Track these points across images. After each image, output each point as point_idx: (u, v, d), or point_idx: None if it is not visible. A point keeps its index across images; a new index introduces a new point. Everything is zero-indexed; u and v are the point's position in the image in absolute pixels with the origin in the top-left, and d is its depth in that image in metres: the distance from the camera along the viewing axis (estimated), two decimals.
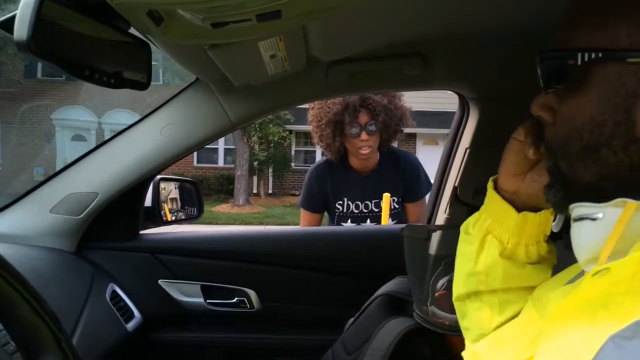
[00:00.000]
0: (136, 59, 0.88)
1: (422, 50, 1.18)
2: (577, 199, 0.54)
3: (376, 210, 2.23)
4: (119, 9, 0.72)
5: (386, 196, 2.18)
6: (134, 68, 0.89)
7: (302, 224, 2.33)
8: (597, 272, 0.48)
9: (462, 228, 0.79)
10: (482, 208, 0.75)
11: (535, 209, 0.69)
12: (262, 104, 1.33)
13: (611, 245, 0.49)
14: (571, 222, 0.55)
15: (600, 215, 0.50)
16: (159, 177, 1.58)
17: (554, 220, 1.14)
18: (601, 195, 0.50)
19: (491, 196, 0.73)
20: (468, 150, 1.31)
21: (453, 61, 1.20)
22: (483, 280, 0.74)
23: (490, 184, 0.74)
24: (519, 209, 0.69)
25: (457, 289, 0.78)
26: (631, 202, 0.47)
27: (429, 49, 1.18)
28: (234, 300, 1.58)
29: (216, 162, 16.58)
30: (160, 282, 1.55)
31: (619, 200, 0.48)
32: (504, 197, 0.71)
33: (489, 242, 0.73)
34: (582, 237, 0.53)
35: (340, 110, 2.08)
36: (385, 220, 2.19)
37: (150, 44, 0.90)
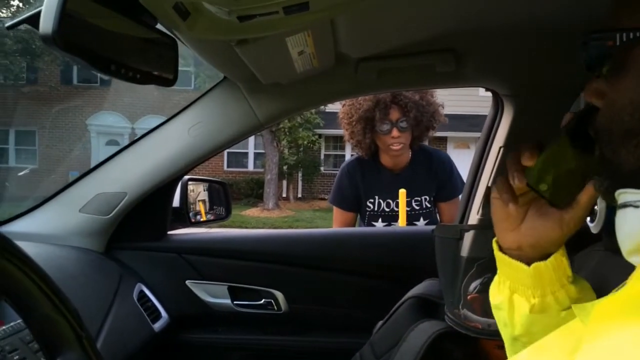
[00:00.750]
0: (163, 56, 0.88)
1: (454, 45, 1.15)
2: (621, 187, 0.51)
3: (407, 209, 2.19)
4: (145, 3, 0.72)
5: (402, 192, 2.14)
6: (160, 64, 0.88)
7: (335, 223, 2.30)
8: None
9: (489, 294, 0.77)
10: (498, 271, 0.73)
11: (546, 256, 0.67)
12: (291, 102, 1.32)
13: None
14: (616, 210, 0.52)
15: None
16: (186, 177, 1.58)
17: (592, 221, 1.09)
18: None
19: (499, 258, 0.71)
20: (502, 149, 1.27)
21: (486, 57, 1.17)
22: (527, 342, 0.71)
23: (494, 246, 0.72)
24: (529, 261, 0.67)
25: (510, 354, 0.76)
26: None
27: (461, 44, 1.15)
28: (261, 302, 1.57)
29: (246, 166, 16.71)
30: (187, 282, 1.55)
31: None
32: (510, 255, 0.69)
33: (517, 302, 0.71)
34: (625, 225, 0.50)
35: (371, 107, 2.06)
36: (403, 218, 2.15)
37: (177, 41, 0.90)
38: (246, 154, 16.69)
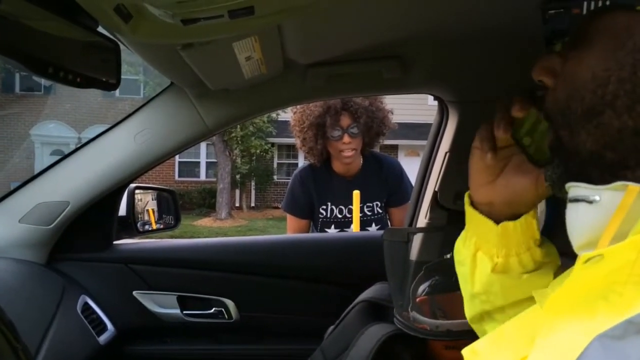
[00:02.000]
0: (105, 59, 0.86)
1: (401, 52, 1.17)
2: (577, 174, 0.50)
3: (360, 215, 2.21)
4: (84, 5, 0.70)
5: (356, 194, 2.16)
6: (103, 68, 0.86)
7: (289, 230, 2.29)
8: (589, 259, 0.45)
9: (454, 249, 0.75)
10: (466, 226, 0.72)
11: (516, 216, 0.65)
12: (239, 108, 1.31)
13: (612, 231, 0.44)
14: (567, 202, 0.51)
15: (597, 198, 0.45)
16: (133, 185, 1.55)
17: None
18: (603, 167, 0.46)
19: (468, 212, 0.70)
20: (448, 155, 1.29)
21: (432, 64, 1.19)
22: (485, 300, 0.70)
23: (466, 200, 0.71)
24: (498, 219, 0.66)
25: (467, 312, 0.75)
26: (633, 186, 0.43)
27: (408, 51, 1.17)
28: (212, 311, 1.54)
29: (198, 176, 16.48)
30: (134, 293, 1.51)
31: (619, 183, 0.44)
32: (480, 211, 0.68)
33: (480, 259, 0.69)
34: (577, 220, 0.48)
35: (321, 113, 2.07)
36: (356, 221, 2.16)
37: (121, 45, 0.88)
38: (198, 163, 16.46)
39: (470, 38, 1.07)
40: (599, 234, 0.45)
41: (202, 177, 16.46)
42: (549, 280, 0.64)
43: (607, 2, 0.46)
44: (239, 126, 12.27)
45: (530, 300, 0.63)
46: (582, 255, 0.46)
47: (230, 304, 1.54)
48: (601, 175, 0.46)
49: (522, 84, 1.27)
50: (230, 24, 0.79)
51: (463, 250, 0.72)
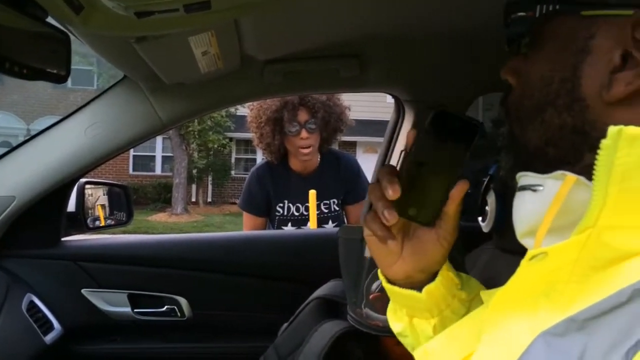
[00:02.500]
0: (55, 51, 0.83)
1: (359, 51, 1.18)
2: (525, 167, 0.51)
3: (316, 212, 2.21)
4: None
5: (312, 193, 2.16)
6: (52, 60, 0.83)
7: (245, 228, 2.27)
8: (534, 256, 0.46)
9: (389, 322, 0.73)
10: (391, 300, 0.70)
11: (433, 275, 0.64)
12: (195, 103, 1.29)
13: (548, 220, 0.46)
14: (516, 192, 0.52)
15: (540, 186, 0.47)
16: (83, 180, 1.50)
17: (483, 221, 1.15)
18: (546, 162, 0.48)
19: (389, 290, 0.67)
20: (404, 153, 1.31)
21: (389, 63, 1.21)
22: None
23: (383, 279, 0.68)
24: (420, 287, 0.64)
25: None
26: (570, 176, 0.44)
27: (366, 50, 1.18)
28: (164, 309, 1.51)
29: (153, 170, 16.15)
30: (83, 291, 1.47)
31: (558, 172, 0.45)
32: (399, 285, 0.65)
33: (418, 325, 0.68)
34: (521, 208, 0.50)
35: (279, 108, 2.05)
36: (313, 219, 2.17)
37: (71, 36, 0.85)
38: (153, 157, 16.13)
39: (428, 39, 1.09)
40: (539, 222, 0.47)
41: (158, 171, 16.14)
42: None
43: (557, 6, 0.48)
44: (196, 120, 12.09)
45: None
46: (527, 253, 0.48)
47: (183, 301, 1.52)
48: (545, 169, 0.47)
49: (477, 85, 1.31)
50: (186, 18, 0.77)
51: (397, 322, 0.70)
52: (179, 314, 1.52)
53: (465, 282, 0.68)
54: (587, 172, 0.43)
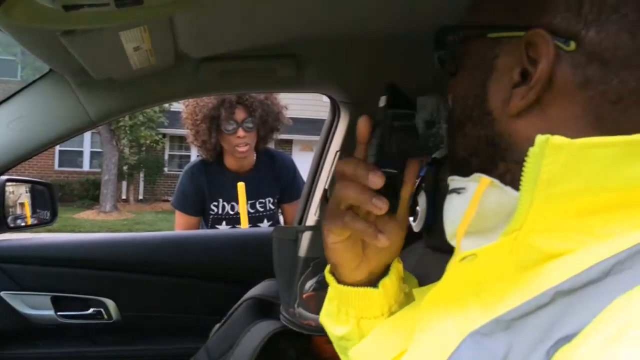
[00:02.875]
0: None
1: (295, 51, 1.18)
2: (455, 173, 0.53)
3: (252, 211, 2.20)
4: None
5: (240, 185, 2.13)
6: None
7: (178, 227, 2.22)
8: (465, 257, 0.48)
9: (328, 327, 0.70)
10: (336, 304, 0.66)
11: (387, 268, 0.64)
12: (127, 100, 1.25)
13: (467, 220, 0.48)
14: (447, 195, 0.53)
15: (464, 189, 0.50)
16: (4, 177, 1.42)
17: (414, 221, 1.19)
18: (470, 171, 0.51)
19: (343, 293, 0.64)
20: (338, 154, 1.33)
21: (325, 64, 1.22)
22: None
23: (334, 283, 0.65)
24: (375, 282, 0.63)
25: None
26: (485, 178, 0.47)
27: (303, 51, 1.18)
28: (90, 312, 1.46)
29: (81, 166, 15.48)
30: (2, 294, 1.39)
31: (476, 175, 0.48)
32: (359, 286, 0.63)
33: (365, 327, 0.65)
34: (449, 210, 0.52)
35: (216, 105, 2.03)
36: (244, 216, 2.16)
37: None
38: (81, 152, 15.47)
39: (363, 42, 1.11)
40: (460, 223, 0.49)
41: (86, 167, 15.48)
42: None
43: (471, 31, 0.52)
44: (127, 115, 11.70)
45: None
46: (457, 254, 0.50)
47: (110, 303, 1.47)
48: (469, 176, 0.50)
49: (410, 87, 1.34)
50: (117, 13, 0.75)
51: (342, 325, 0.66)
52: (105, 316, 1.47)
53: (406, 276, 0.69)
54: (501, 179, 0.47)
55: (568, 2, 0.44)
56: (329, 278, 0.66)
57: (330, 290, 0.67)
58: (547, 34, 0.44)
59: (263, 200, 2.23)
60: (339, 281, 0.65)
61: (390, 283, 0.63)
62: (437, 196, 1.13)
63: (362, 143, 0.60)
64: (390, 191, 0.57)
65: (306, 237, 1.22)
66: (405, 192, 0.61)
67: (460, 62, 0.55)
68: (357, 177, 0.56)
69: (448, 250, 1.09)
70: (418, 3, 0.89)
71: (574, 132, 0.42)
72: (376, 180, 0.54)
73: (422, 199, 1.15)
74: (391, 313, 0.65)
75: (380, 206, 0.55)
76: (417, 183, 1.18)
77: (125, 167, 14.10)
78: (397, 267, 0.64)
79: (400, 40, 1.07)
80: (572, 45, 0.43)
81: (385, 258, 0.63)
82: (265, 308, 1.28)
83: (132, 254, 1.55)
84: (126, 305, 1.49)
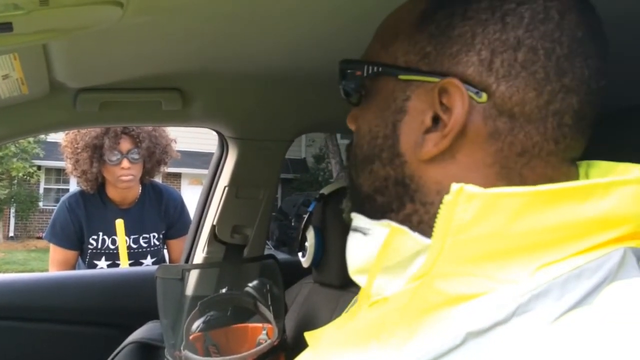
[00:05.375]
0: None
1: (181, 85, 1.16)
2: (359, 208, 0.55)
3: (134, 246, 2.08)
4: None
5: (119, 223, 2.03)
6: None
7: (53, 263, 2.04)
8: (376, 302, 0.49)
9: None
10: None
11: None
12: None
13: (379, 265, 0.49)
14: (350, 231, 0.56)
15: (370, 230, 0.51)
16: None
17: (303, 256, 1.19)
18: (375, 208, 0.52)
19: None
20: (227, 189, 1.31)
21: (211, 99, 1.21)
22: None
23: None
24: None
25: None
26: (394, 226, 0.48)
27: (188, 85, 1.16)
28: None
29: None
30: None
31: (385, 221, 0.50)
32: None
33: None
34: (353, 248, 0.53)
35: (99, 134, 1.92)
36: (124, 253, 2.05)
37: None
38: None
39: (250, 78, 1.11)
40: (369, 263, 0.50)
41: None
42: None
43: (380, 69, 0.52)
44: None
45: None
46: (367, 297, 0.51)
47: None
48: (374, 214, 0.52)
49: (299, 124, 1.36)
50: None
51: None
52: None
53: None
54: (408, 220, 0.48)
55: (480, 56, 0.46)
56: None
57: None
58: (460, 84, 0.45)
59: (147, 236, 2.14)
60: None
61: None
62: (326, 232, 1.15)
63: None
64: None
65: (193, 275, 1.18)
66: None
67: (366, 96, 0.55)
68: None
69: (337, 286, 1.11)
70: (302, 43, 0.91)
71: (482, 180, 0.44)
72: None
73: (310, 235, 1.17)
74: None
75: None
76: (305, 218, 1.20)
77: None
78: None
79: (287, 78, 1.09)
80: (484, 96, 0.45)
81: None
82: (148, 352, 1.21)
83: (2, 298, 1.40)
84: None
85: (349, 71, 0.55)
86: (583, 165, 0.50)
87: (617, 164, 0.48)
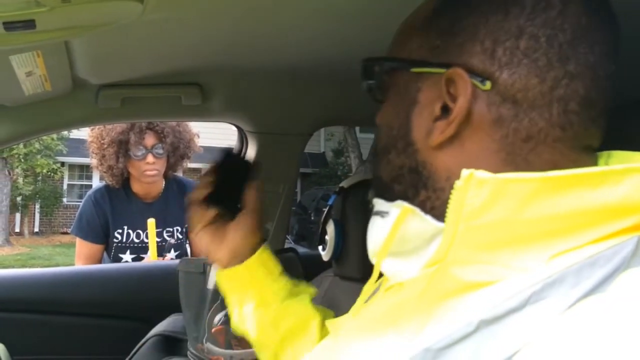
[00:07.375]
0: None
1: (201, 80, 1.17)
2: (380, 195, 0.57)
3: (158, 240, 2.11)
4: None
5: (150, 222, 2.06)
6: None
7: (79, 257, 2.08)
8: (391, 287, 0.50)
9: (239, 332, 0.82)
10: (228, 300, 0.82)
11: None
12: (20, 127, 1.17)
13: (387, 245, 0.51)
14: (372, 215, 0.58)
15: (387, 213, 0.53)
16: None
17: (323, 250, 1.19)
18: (393, 197, 0.53)
19: (224, 277, 0.80)
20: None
21: (231, 94, 1.21)
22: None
23: (218, 274, 0.81)
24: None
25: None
26: (406, 206, 0.50)
27: (208, 80, 1.17)
28: None
29: None
30: None
31: (398, 202, 0.51)
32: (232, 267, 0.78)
33: (243, 312, 0.79)
34: (372, 231, 0.55)
35: (125, 130, 1.95)
36: (153, 250, 2.08)
37: None
38: None
39: (270, 73, 1.11)
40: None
41: None
42: (307, 304, 0.77)
43: (395, 64, 0.55)
44: (21, 143, 10.95)
45: (300, 324, 0.75)
46: (387, 285, 0.52)
47: (0, 347, 1.34)
48: (392, 201, 0.53)
49: (318, 118, 1.36)
50: (7, 36, 0.71)
51: (238, 320, 0.80)
52: None
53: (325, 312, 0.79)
54: (422, 206, 0.50)
55: (484, 45, 0.47)
56: (219, 272, 0.80)
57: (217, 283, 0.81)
58: (465, 73, 0.47)
59: (171, 229, 2.16)
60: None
61: (254, 264, 0.77)
62: (346, 225, 1.15)
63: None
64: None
65: (215, 269, 1.18)
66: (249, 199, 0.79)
67: (385, 92, 0.57)
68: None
69: (357, 279, 1.11)
70: (322, 39, 0.91)
71: (489, 166, 0.45)
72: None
73: (330, 228, 1.17)
74: (264, 298, 0.77)
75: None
76: (325, 212, 1.20)
77: (19, 198, 13.13)
78: (263, 253, 0.78)
79: (306, 73, 1.09)
80: (488, 84, 0.46)
81: (243, 235, 0.77)
82: (171, 345, 1.23)
83: (26, 292, 1.43)
84: (19, 348, 1.37)
85: (370, 68, 0.57)
86: (604, 155, 0.50)
87: (636, 153, 0.48)
